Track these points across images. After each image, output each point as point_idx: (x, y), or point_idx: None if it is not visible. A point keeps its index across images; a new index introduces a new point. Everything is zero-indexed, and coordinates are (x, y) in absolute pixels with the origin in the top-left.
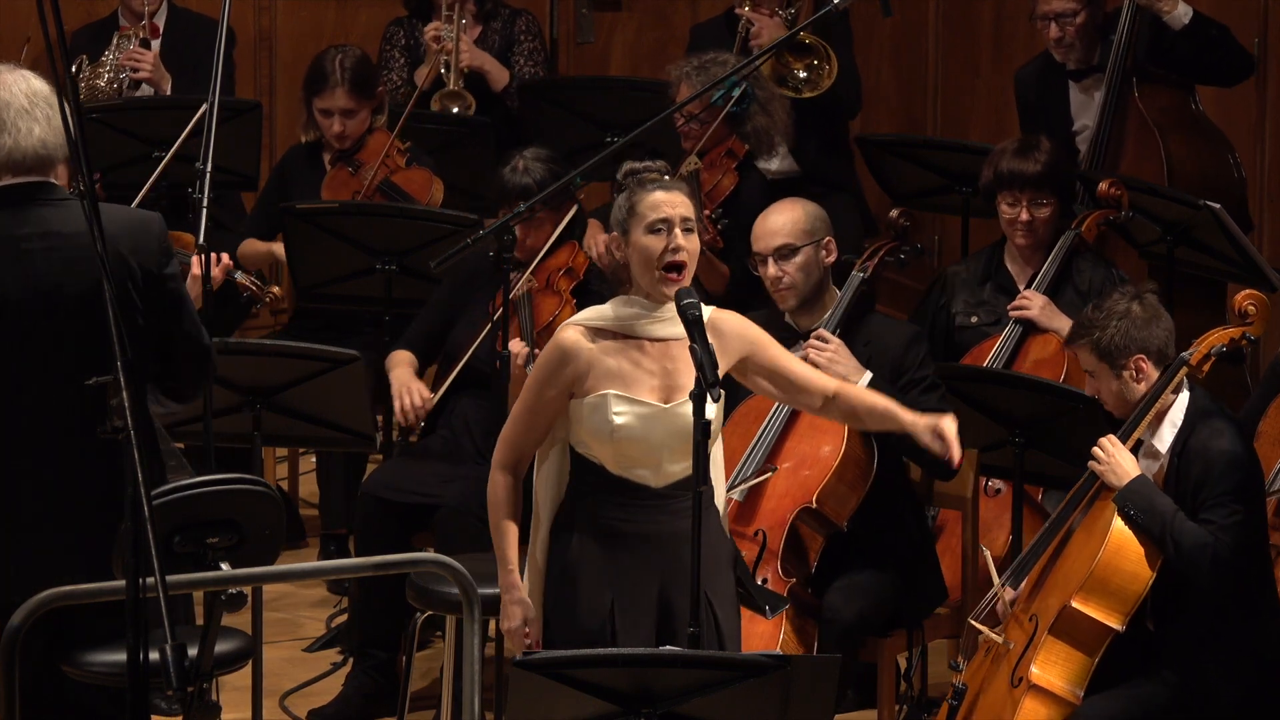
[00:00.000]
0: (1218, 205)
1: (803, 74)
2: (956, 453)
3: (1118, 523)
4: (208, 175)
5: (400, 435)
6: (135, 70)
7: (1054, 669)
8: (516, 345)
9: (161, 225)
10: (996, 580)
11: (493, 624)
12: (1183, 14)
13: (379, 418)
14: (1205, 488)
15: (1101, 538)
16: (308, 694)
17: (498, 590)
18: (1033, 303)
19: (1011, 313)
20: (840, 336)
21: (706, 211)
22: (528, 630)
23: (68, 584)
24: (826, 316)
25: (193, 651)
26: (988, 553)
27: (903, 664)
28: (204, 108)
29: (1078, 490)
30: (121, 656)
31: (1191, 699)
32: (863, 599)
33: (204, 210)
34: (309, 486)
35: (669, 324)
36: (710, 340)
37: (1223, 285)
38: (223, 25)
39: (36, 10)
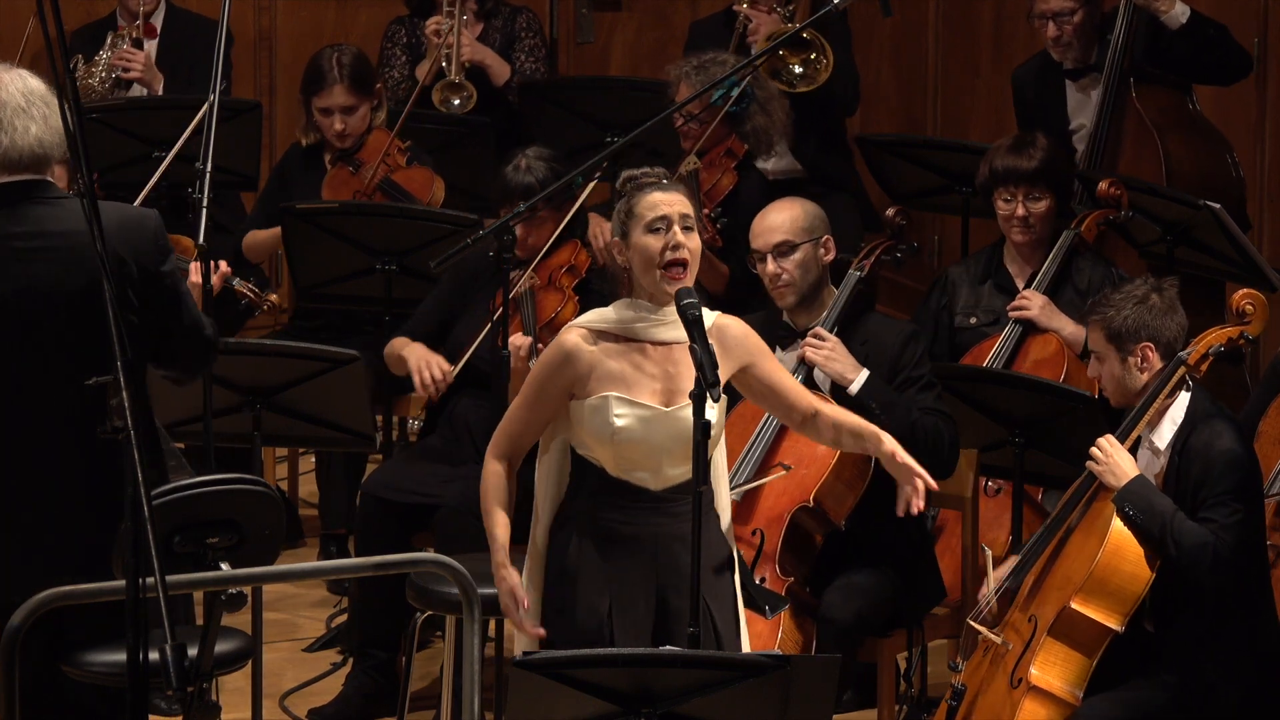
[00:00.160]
0: (1218, 205)
1: (799, 69)
2: (918, 501)
3: (1117, 523)
4: (208, 175)
5: (400, 435)
6: (126, 70)
7: (1053, 670)
8: (519, 338)
9: (158, 221)
10: (990, 577)
11: (493, 624)
12: (1180, 13)
13: (379, 418)
14: (1206, 487)
15: (1100, 538)
16: (308, 694)
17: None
18: (1032, 303)
19: (1011, 313)
20: (837, 335)
21: (706, 211)
22: (521, 598)
23: (68, 584)
24: (824, 315)
25: (193, 651)
26: (989, 551)
27: (902, 664)
28: (205, 107)
29: (1076, 490)
30: (121, 656)
31: (1191, 700)
32: (861, 599)
33: (204, 210)
34: (309, 486)
35: (671, 327)
36: (713, 344)
37: (1222, 285)
38: (223, 25)
39: (36, 10)
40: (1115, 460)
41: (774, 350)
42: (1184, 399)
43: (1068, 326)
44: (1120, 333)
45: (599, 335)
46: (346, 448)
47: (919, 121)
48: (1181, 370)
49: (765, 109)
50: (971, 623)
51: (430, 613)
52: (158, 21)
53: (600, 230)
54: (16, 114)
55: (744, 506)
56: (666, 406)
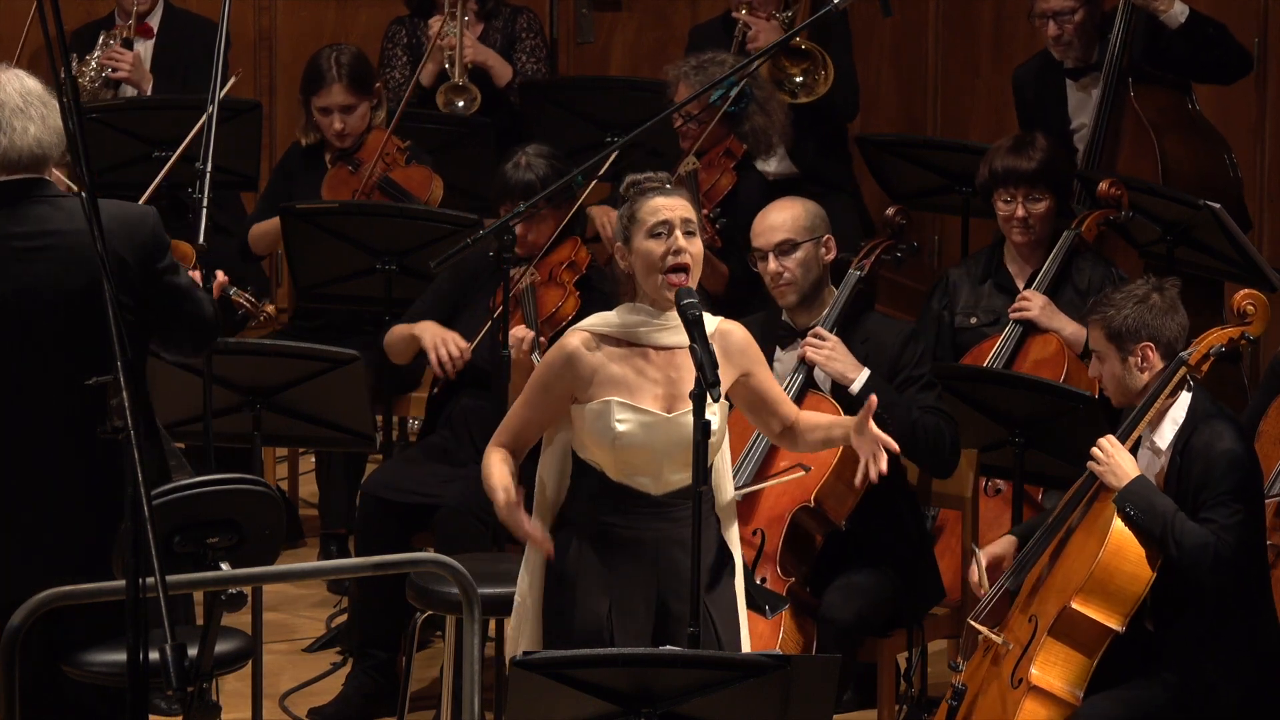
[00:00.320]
0: (1218, 205)
1: (799, 79)
2: (880, 462)
3: (1117, 523)
4: (208, 175)
5: (400, 435)
6: (114, 70)
7: (1054, 670)
8: (520, 330)
9: (156, 219)
10: (980, 566)
11: (493, 624)
12: (1179, 13)
13: (379, 418)
14: (1207, 488)
15: (1101, 538)
16: (308, 694)
17: (498, 590)
18: (1033, 303)
19: (1011, 313)
20: (837, 334)
21: (705, 211)
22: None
23: (68, 584)
24: (824, 314)
25: (193, 651)
26: (980, 552)
27: (902, 664)
28: (210, 108)
29: (1076, 490)
30: (121, 656)
31: (1191, 699)
32: (861, 599)
33: (204, 210)
34: (309, 486)
35: (673, 332)
36: (715, 349)
37: (1222, 285)
38: (223, 25)
39: (36, 10)
40: (1116, 460)
41: (774, 350)
42: (1185, 399)
43: (1068, 326)
44: (1121, 332)
45: (602, 339)
46: (346, 448)
47: (919, 121)
48: (1182, 370)
49: (764, 109)
50: (972, 623)
51: (430, 613)
52: (155, 21)
53: (609, 220)
54: (15, 114)
55: (745, 507)
56: (668, 412)
